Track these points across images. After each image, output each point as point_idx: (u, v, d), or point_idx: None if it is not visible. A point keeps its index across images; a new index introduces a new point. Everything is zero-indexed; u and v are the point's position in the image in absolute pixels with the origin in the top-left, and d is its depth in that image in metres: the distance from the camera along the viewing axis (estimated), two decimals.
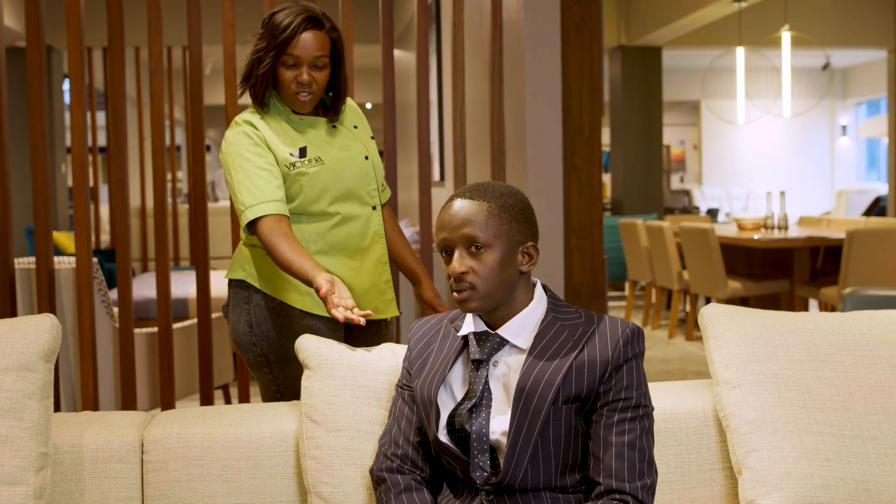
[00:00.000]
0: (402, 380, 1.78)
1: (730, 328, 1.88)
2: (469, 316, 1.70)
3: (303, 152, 2.29)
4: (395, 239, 2.55)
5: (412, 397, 1.73)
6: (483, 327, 1.68)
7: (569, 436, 1.60)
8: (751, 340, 1.85)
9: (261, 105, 2.32)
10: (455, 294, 1.63)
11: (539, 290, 1.70)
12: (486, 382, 1.64)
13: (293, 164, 2.28)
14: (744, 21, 9.54)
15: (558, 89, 3.37)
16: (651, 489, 1.58)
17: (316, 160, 2.29)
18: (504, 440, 1.60)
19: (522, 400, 1.59)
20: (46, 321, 1.75)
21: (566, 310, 1.69)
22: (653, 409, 1.65)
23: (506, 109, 3.52)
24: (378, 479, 1.71)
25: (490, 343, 1.65)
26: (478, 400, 1.63)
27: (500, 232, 1.62)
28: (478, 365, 1.66)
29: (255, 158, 2.25)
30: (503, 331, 1.66)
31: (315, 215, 2.32)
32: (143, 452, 1.82)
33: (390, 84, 3.25)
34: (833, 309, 5.92)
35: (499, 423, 1.62)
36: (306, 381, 1.85)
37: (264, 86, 2.28)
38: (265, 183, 2.23)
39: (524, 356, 1.64)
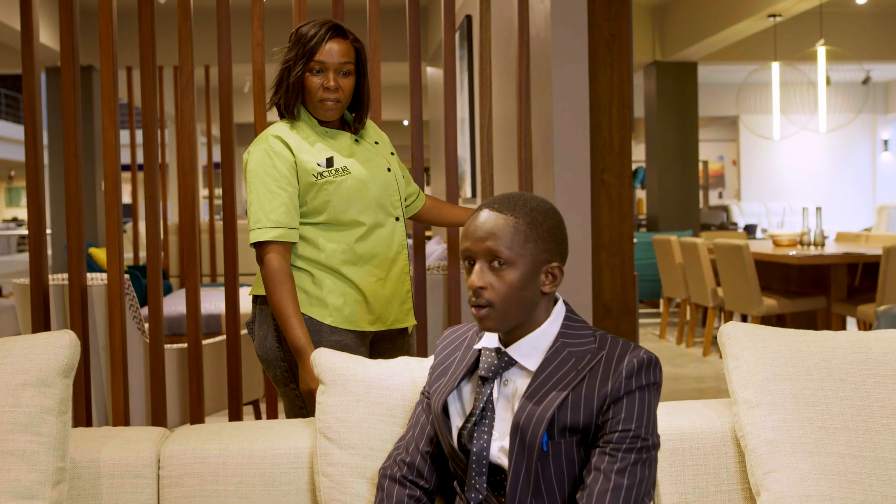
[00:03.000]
0: (425, 385, 1.75)
1: (749, 347, 1.85)
2: None
3: (330, 162, 2.36)
4: (443, 208, 2.77)
5: (429, 406, 1.70)
6: (496, 343, 1.64)
7: (572, 469, 1.55)
8: (770, 359, 1.82)
9: (291, 115, 2.39)
10: (473, 310, 1.57)
11: (557, 309, 1.64)
12: (490, 401, 1.60)
13: (321, 174, 2.33)
14: (779, 36, 9.46)
15: (586, 105, 3.35)
16: None
17: (343, 170, 2.36)
18: (507, 461, 1.57)
19: (518, 437, 1.54)
20: (65, 337, 1.77)
21: (580, 332, 1.62)
22: (657, 445, 1.57)
23: (533, 126, 3.52)
24: (379, 482, 1.72)
25: (498, 361, 1.62)
26: (478, 419, 1.60)
27: (524, 250, 1.55)
28: (483, 381, 1.62)
29: (269, 181, 2.31)
30: (512, 350, 1.61)
31: (345, 224, 2.37)
32: (159, 468, 1.83)
33: (417, 101, 3.27)
34: (870, 327, 5.82)
35: (502, 444, 1.58)
36: (321, 397, 1.85)
37: (295, 95, 2.37)
38: (272, 207, 2.29)
39: (529, 380, 1.60)
